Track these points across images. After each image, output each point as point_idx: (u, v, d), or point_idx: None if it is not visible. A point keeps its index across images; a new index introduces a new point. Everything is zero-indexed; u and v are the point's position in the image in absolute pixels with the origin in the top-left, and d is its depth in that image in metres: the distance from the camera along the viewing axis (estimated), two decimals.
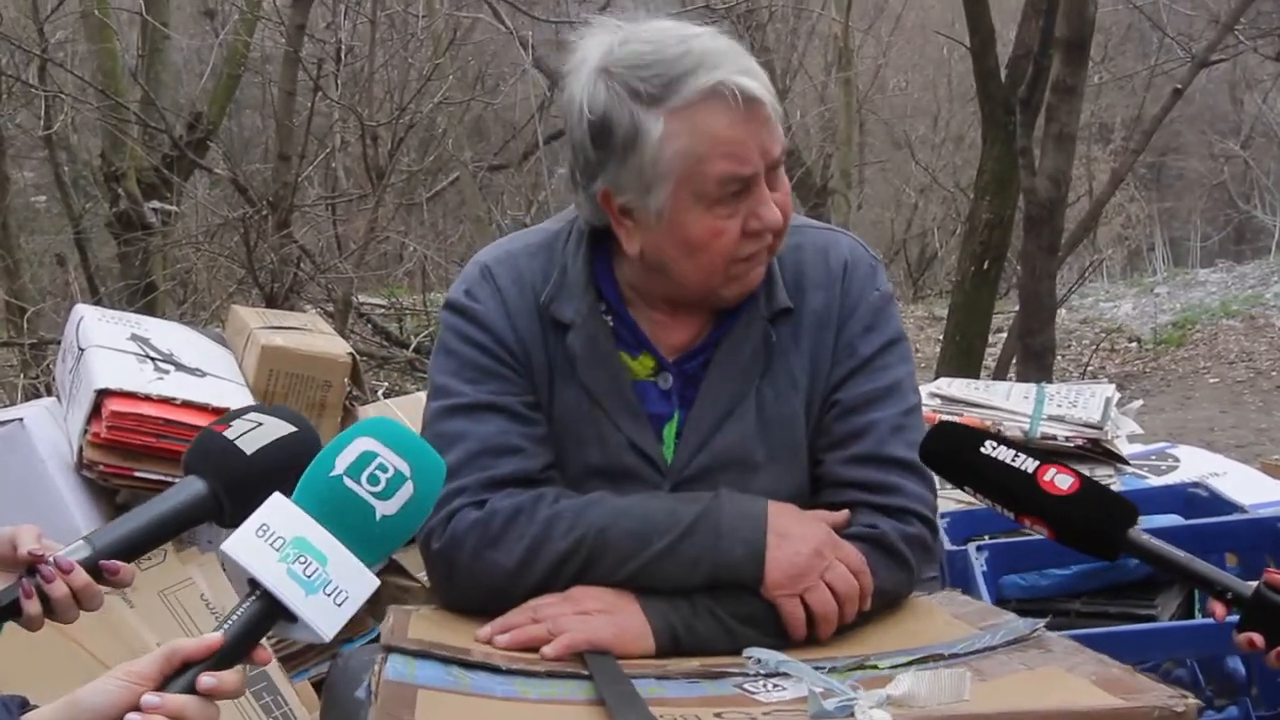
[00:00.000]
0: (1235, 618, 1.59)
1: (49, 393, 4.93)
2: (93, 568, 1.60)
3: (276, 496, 1.27)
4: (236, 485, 1.44)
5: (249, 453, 1.48)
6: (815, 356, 1.91)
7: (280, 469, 1.46)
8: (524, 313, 1.91)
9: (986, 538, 2.68)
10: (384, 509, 1.26)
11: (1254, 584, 1.54)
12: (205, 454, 1.49)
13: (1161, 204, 22.32)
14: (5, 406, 4.36)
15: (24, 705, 1.25)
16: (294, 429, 1.51)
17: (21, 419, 3.35)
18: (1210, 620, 2.24)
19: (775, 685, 1.46)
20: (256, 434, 1.49)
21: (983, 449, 1.64)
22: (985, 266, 9.30)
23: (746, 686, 1.48)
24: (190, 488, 1.51)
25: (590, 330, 1.90)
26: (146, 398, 3.26)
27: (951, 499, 3.19)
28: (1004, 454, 1.62)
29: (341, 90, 9.39)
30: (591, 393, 1.90)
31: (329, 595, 1.23)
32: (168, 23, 11.79)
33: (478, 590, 1.80)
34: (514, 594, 1.78)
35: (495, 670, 1.50)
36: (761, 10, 18.03)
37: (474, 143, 13.72)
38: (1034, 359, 8.03)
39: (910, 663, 1.53)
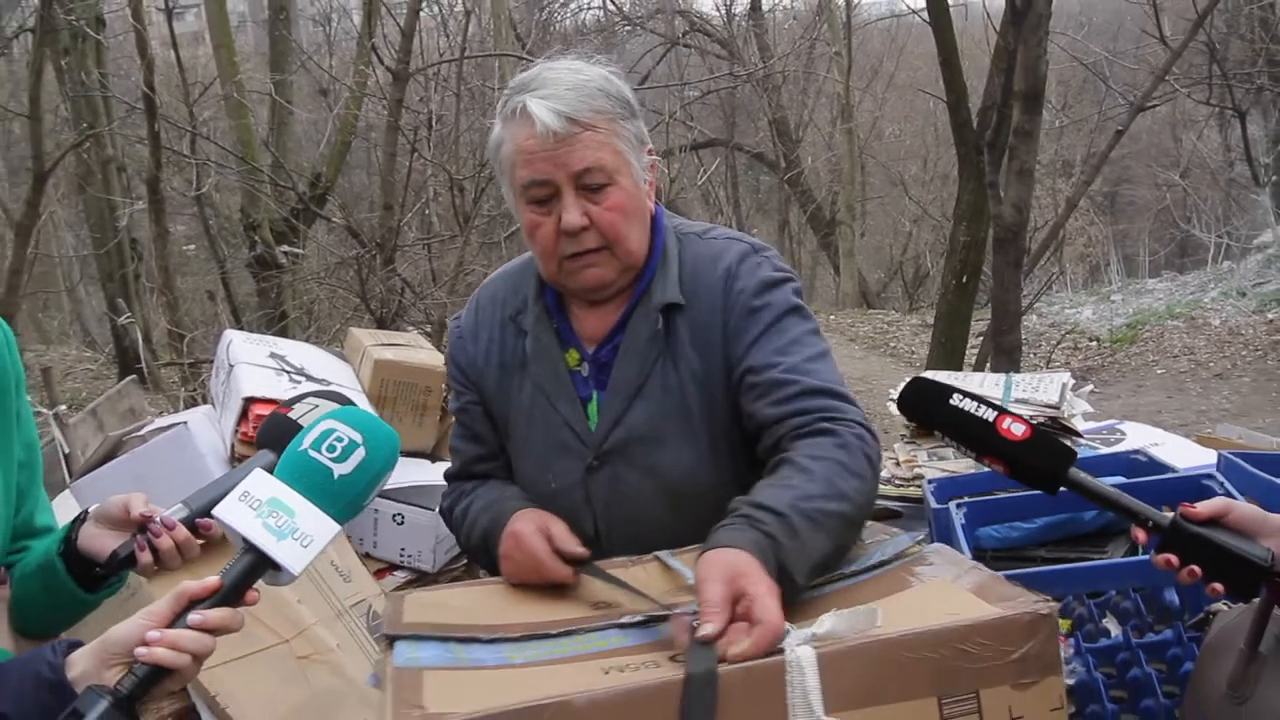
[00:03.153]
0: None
1: (205, 402, 5.02)
2: (190, 524, 1.67)
3: (257, 471, 1.36)
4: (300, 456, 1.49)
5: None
6: (708, 343, 1.86)
7: None
8: (493, 326, 1.98)
9: (966, 498, 2.69)
10: (340, 470, 1.34)
11: (1171, 515, 1.55)
12: (275, 431, 1.54)
13: (1116, 226, 22.07)
14: (171, 413, 4.45)
15: (71, 646, 1.31)
16: (341, 404, 1.58)
17: (185, 422, 3.43)
18: (1137, 559, 2.28)
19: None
20: (313, 414, 1.55)
21: (951, 400, 1.62)
22: (964, 280, 9.30)
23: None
24: (264, 459, 1.56)
25: (537, 333, 1.93)
26: (284, 403, 3.35)
27: (936, 468, 3.23)
28: (969, 405, 1.61)
29: (433, 151, 9.47)
30: (539, 385, 1.92)
31: (296, 540, 1.31)
32: (291, 101, 11.95)
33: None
34: (470, 554, 2.07)
35: (481, 641, 1.47)
36: (777, 75, 18.05)
37: None
38: (1005, 354, 8.05)
39: (822, 583, 1.53)
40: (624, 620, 1.47)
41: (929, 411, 1.65)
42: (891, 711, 1.31)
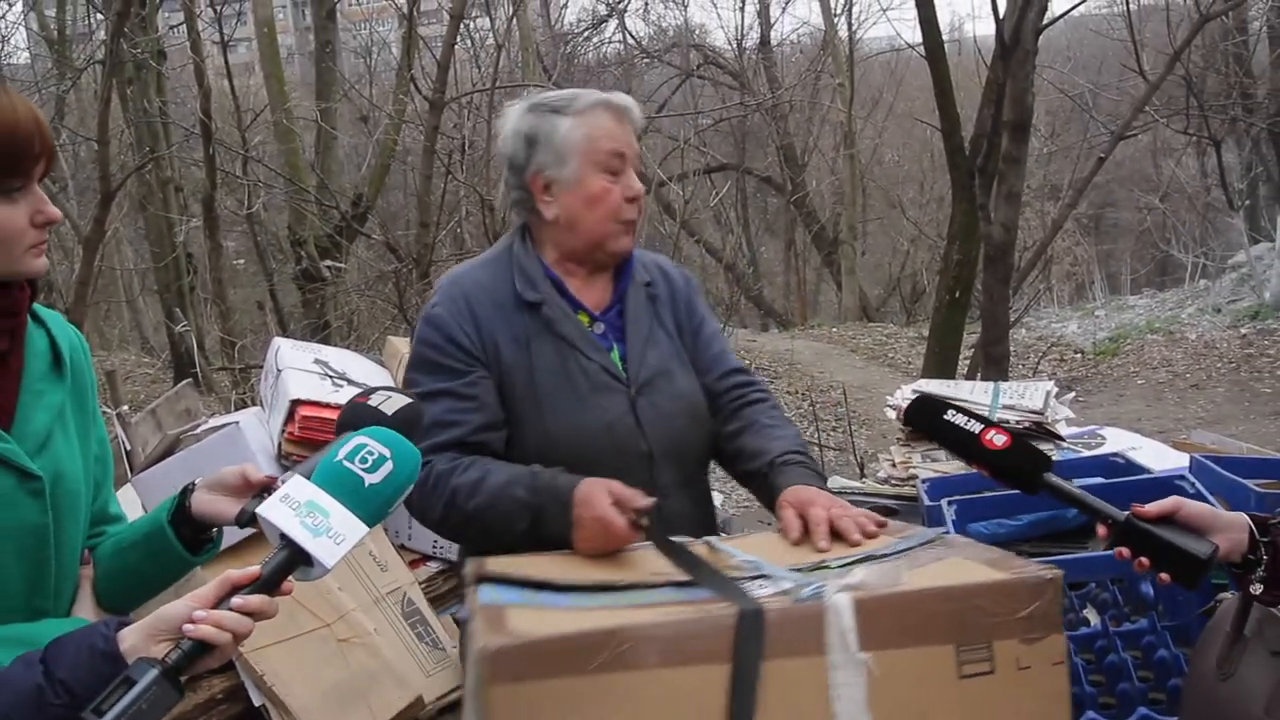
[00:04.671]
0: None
1: (255, 404, 5.06)
2: None
3: (296, 477, 1.41)
4: None
5: (389, 414, 1.59)
6: (674, 315, 2.21)
7: (409, 424, 1.58)
8: (490, 308, 2.08)
9: (957, 496, 2.71)
10: (371, 479, 1.41)
11: (1125, 513, 1.63)
12: (359, 417, 1.58)
13: (1100, 247, 22.02)
14: (224, 414, 4.48)
15: (121, 624, 1.34)
16: (412, 400, 1.63)
17: (237, 423, 3.46)
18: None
19: (759, 585, 1.52)
20: (390, 403, 1.60)
21: (945, 416, 1.75)
22: (957, 295, 9.27)
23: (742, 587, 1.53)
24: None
25: (553, 303, 2.08)
26: (328, 405, 3.37)
27: (929, 469, 3.24)
28: (959, 420, 1.73)
29: (465, 173, 9.52)
30: (569, 341, 2.07)
31: (330, 538, 1.36)
32: (335, 127, 12.02)
33: (425, 525, 2.05)
34: (443, 529, 2.05)
35: (555, 589, 1.56)
36: (784, 104, 18.08)
37: None
38: (994, 364, 8.06)
39: (855, 561, 1.61)
40: (680, 579, 1.57)
41: (928, 424, 1.78)
42: (916, 654, 1.41)
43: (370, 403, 1.60)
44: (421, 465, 1.90)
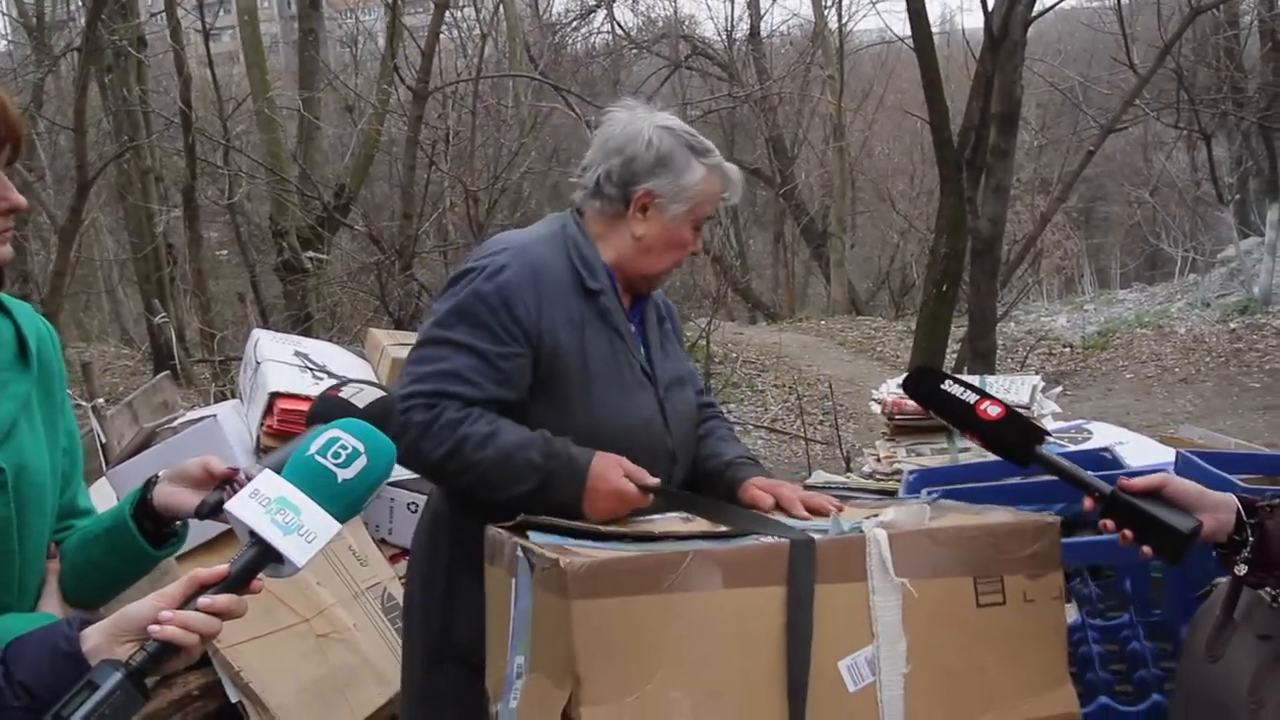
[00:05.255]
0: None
1: (234, 396, 5.04)
2: None
3: (266, 471, 1.38)
4: None
5: (361, 406, 1.57)
6: (672, 332, 2.36)
7: (381, 417, 1.55)
8: (558, 286, 2.11)
9: (938, 487, 2.71)
10: (344, 474, 1.38)
11: (1111, 487, 1.67)
12: (330, 409, 1.57)
13: (1090, 240, 22.08)
14: (202, 407, 4.46)
15: (84, 623, 1.32)
16: (384, 393, 1.62)
17: (215, 415, 3.45)
18: (1101, 538, 2.32)
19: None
20: (361, 396, 1.59)
21: (942, 386, 1.81)
22: (944, 289, 9.28)
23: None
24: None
25: (609, 293, 2.16)
26: (307, 397, 3.35)
27: (913, 464, 3.25)
28: (955, 389, 1.80)
29: (450, 164, 9.49)
30: (621, 334, 2.16)
31: (301, 535, 1.33)
32: (319, 117, 11.98)
33: (413, 463, 2.05)
34: (437, 472, 2.06)
35: (596, 537, 1.69)
36: (774, 96, 18.08)
37: (553, 203, 13.80)
38: (980, 357, 8.09)
39: (870, 515, 1.75)
40: (713, 532, 1.72)
41: (926, 393, 1.85)
42: (941, 584, 1.61)
43: (342, 395, 1.58)
44: (428, 408, 1.99)
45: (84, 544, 1.65)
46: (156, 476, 1.66)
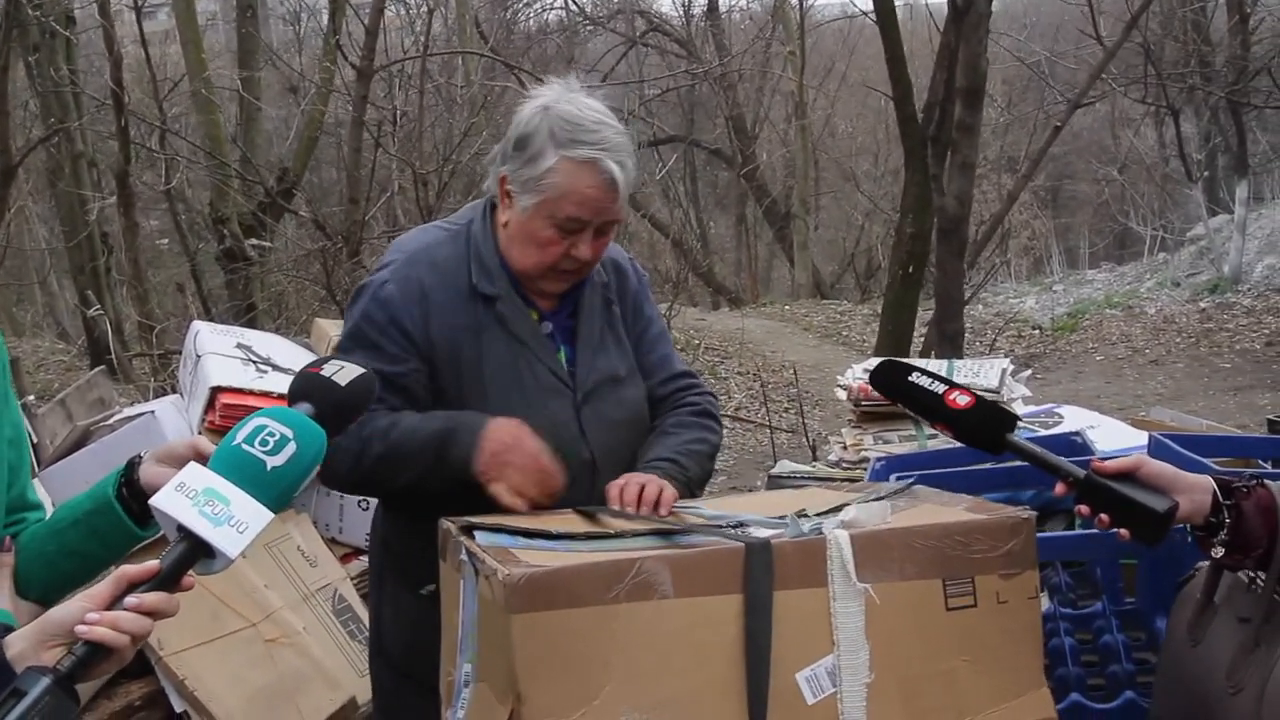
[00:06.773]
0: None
1: (174, 391, 4.98)
2: None
3: (191, 464, 1.39)
4: (335, 407, 1.52)
5: (343, 384, 1.56)
6: (624, 316, 2.25)
7: (362, 396, 1.57)
8: (446, 291, 2.09)
9: (907, 473, 2.72)
10: (273, 462, 1.38)
11: (1085, 471, 1.69)
12: (310, 386, 1.56)
13: (1058, 220, 22.28)
14: (140, 403, 4.40)
15: (5, 630, 1.30)
16: (365, 370, 1.61)
17: (153, 411, 3.41)
18: (1078, 533, 2.35)
19: (742, 531, 1.65)
20: (343, 373, 1.57)
21: (910, 378, 1.82)
22: (910, 270, 9.35)
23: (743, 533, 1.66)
24: (303, 409, 1.58)
25: (508, 297, 2.10)
26: (250, 392, 3.33)
27: (881, 450, 3.26)
28: (924, 381, 1.80)
29: (398, 146, 9.42)
30: (520, 340, 2.10)
31: (232, 526, 1.33)
32: (259, 97, 11.83)
33: (334, 483, 2.16)
34: (351, 478, 2.07)
35: (549, 536, 1.65)
36: (733, 74, 18.08)
37: None
38: (948, 341, 8.15)
39: (836, 508, 1.73)
40: (665, 529, 1.68)
41: (894, 386, 1.85)
42: (908, 587, 1.57)
43: (323, 373, 1.57)
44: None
45: (55, 532, 1.64)
46: (139, 457, 1.66)
